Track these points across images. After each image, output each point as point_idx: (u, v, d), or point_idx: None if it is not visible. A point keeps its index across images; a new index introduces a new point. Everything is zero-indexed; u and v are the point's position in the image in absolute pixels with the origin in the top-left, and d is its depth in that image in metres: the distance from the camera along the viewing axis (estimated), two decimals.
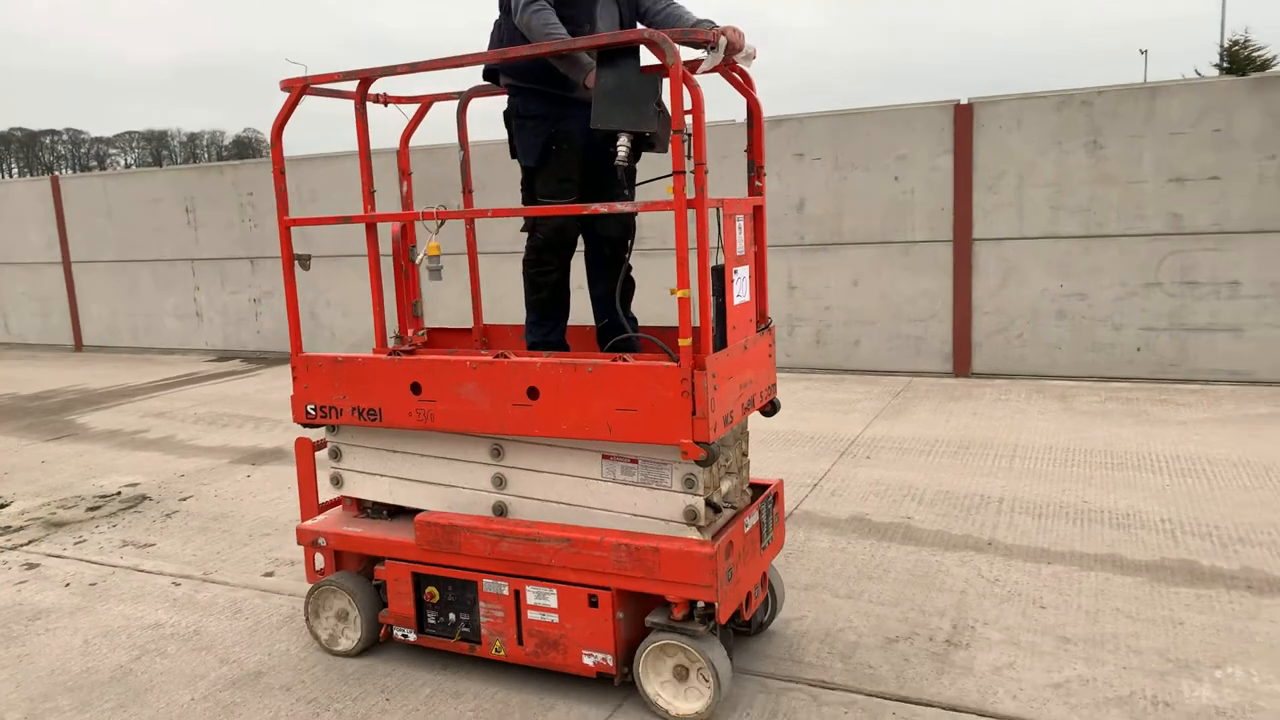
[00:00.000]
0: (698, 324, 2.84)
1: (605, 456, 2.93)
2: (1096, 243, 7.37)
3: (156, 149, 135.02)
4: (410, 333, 3.65)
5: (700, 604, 2.82)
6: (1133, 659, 3.09)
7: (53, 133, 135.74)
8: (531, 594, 3.00)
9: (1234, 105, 6.87)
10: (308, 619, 3.43)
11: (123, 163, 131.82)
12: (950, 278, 7.84)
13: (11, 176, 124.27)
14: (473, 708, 2.98)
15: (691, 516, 2.82)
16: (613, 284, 3.34)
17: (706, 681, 2.83)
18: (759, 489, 3.28)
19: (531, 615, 3.01)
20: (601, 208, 2.84)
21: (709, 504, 2.83)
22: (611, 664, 2.92)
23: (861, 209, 8.03)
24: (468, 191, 3.80)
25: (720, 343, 2.87)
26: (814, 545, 4.21)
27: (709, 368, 2.69)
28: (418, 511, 3.22)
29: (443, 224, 3.16)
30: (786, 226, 8.27)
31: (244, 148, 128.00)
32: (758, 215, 3.11)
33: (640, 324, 3.44)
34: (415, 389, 3.09)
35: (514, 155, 3.39)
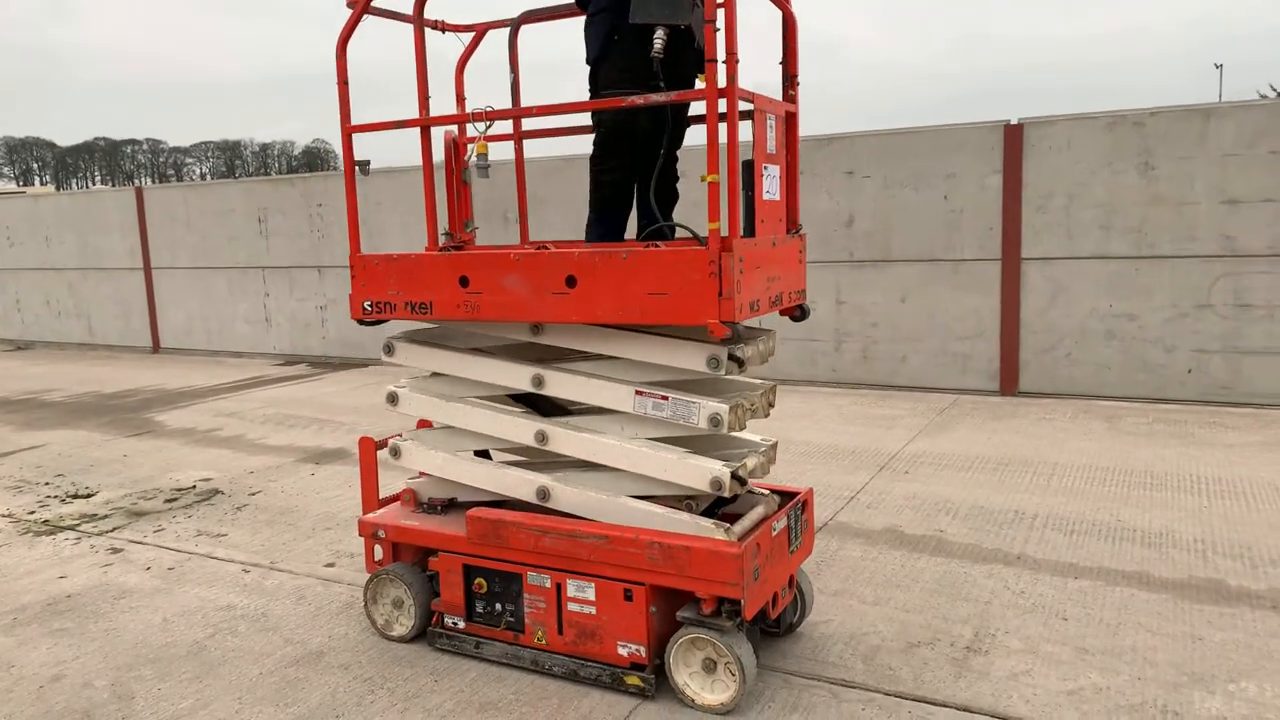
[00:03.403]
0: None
1: (638, 392, 3.13)
2: (1147, 264, 7.36)
3: (230, 158, 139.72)
4: (460, 231, 3.80)
5: (728, 601, 3.01)
6: (1148, 670, 3.19)
7: (133, 142, 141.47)
8: (572, 587, 3.22)
9: None
10: (366, 605, 3.70)
11: (198, 171, 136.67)
12: (998, 296, 7.89)
13: (95, 184, 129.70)
14: (514, 690, 3.21)
15: (717, 486, 3.01)
16: (647, 179, 3.42)
17: (733, 675, 3.01)
18: (788, 496, 3.45)
19: (571, 607, 3.23)
20: (638, 100, 3.00)
21: (735, 477, 3.01)
22: (644, 654, 3.12)
23: (910, 227, 8.13)
24: (517, 120, 3.95)
25: (748, 231, 3.03)
26: (846, 554, 4.36)
27: (736, 251, 2.85)
28: (469, 507, 3.47)
29: (490, 124, 3.35)
30: (836, 243, 8.40)
31: (313, 157, 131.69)
32: (790, 122, 3.26)
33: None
34: (463, 282, 3.28)
35: (588, 60, 3.50)
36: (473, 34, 3.90)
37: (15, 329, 14.34)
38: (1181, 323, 7.30)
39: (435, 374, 3.64)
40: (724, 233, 2.88)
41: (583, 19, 3.53)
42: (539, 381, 3.32)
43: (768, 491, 3.41)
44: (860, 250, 8.34)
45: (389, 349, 3.66)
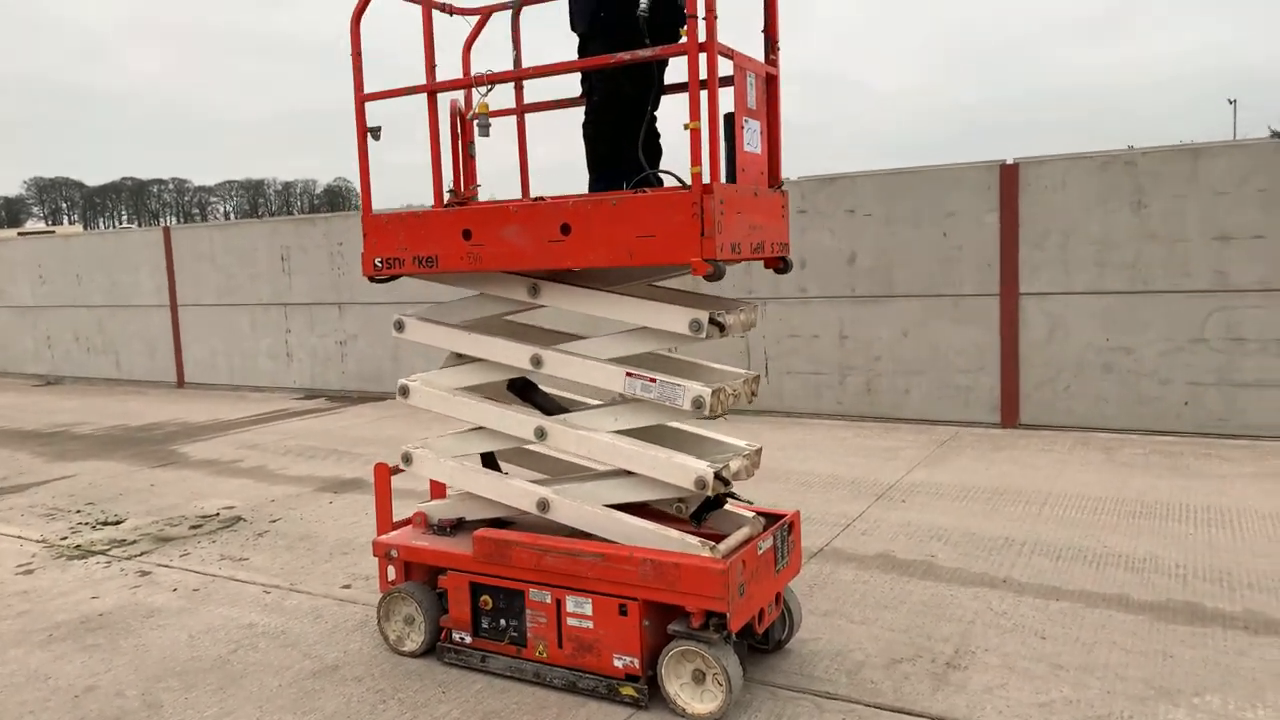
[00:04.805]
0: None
1: (629, 374, 3.38)
2: (1142, 298, 7.54)
3: (253, 197, 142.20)
4: (463, 187, 3.99)
5: (715, 615, 3.21)
6: (1118, 685, 3.35)
7: (159, 182, 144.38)
8: (571, 602, 3.43)
9: (1278, 166, 7.03)
10: (379, 622, 3.92)
11: (222, 210, 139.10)
12: (998, 330, 8.08)
13: (121, 223, 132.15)
14: (516, 702, 3.41)
15: (701, 485, 3.23)
16: (634, 138, 3.54)
17: (720, 685, 3.20)
18: (775, 518, 3.66)
19: (570, 622, 3.44)
20: (625, 56, 3.20)
21: (718, 477, 3.23)
22: (638, 666, 3.32)
23: (911, 263, 8.36)
24: (519, 89, 4.17)
25: (730, 179, 3.25)
26: (838, 577, 4.54)
27: (717, 194, 3.07)
28: (475, 528, 3.70)
29: (492, 87, 3.60)
30: (838, 279, 8.64)
31: (334, 195, 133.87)
32: (771, 84, 3.49)
33: None
34: (466, 235, 3.52)
35: (573, 28, 3.70)
36: (478, 16, 4.15)
37: (46, 364, 14.77)
38: (1176, 356, 7.46)
39: (444, 366, 3.91)
40: (706, 179, 3.10)
41: None
42: (538, 361, 3.57)
43: (754, 513, 3.61)
44: (862, 286, 8.57)
45: (399, 325, 3.95)
